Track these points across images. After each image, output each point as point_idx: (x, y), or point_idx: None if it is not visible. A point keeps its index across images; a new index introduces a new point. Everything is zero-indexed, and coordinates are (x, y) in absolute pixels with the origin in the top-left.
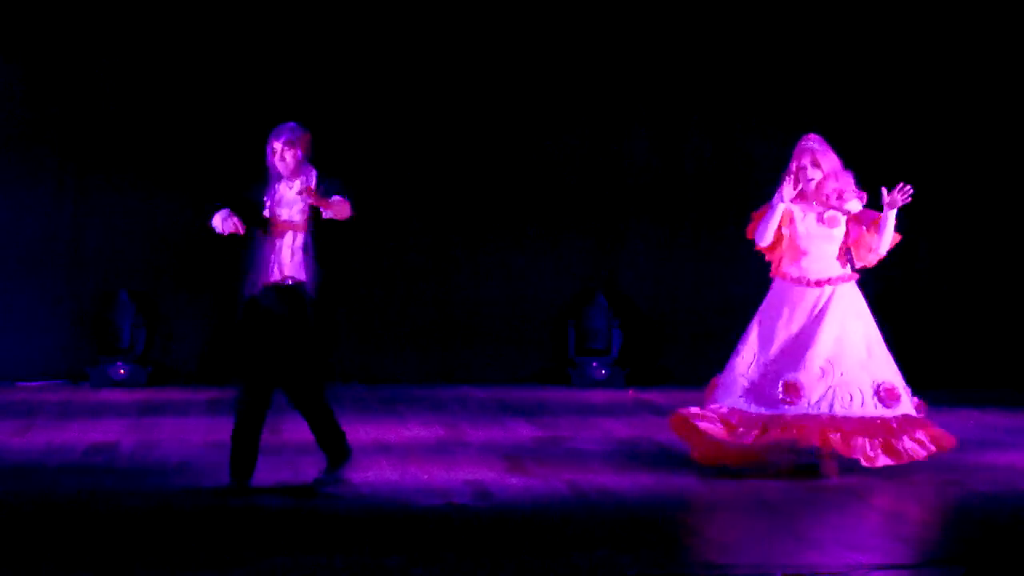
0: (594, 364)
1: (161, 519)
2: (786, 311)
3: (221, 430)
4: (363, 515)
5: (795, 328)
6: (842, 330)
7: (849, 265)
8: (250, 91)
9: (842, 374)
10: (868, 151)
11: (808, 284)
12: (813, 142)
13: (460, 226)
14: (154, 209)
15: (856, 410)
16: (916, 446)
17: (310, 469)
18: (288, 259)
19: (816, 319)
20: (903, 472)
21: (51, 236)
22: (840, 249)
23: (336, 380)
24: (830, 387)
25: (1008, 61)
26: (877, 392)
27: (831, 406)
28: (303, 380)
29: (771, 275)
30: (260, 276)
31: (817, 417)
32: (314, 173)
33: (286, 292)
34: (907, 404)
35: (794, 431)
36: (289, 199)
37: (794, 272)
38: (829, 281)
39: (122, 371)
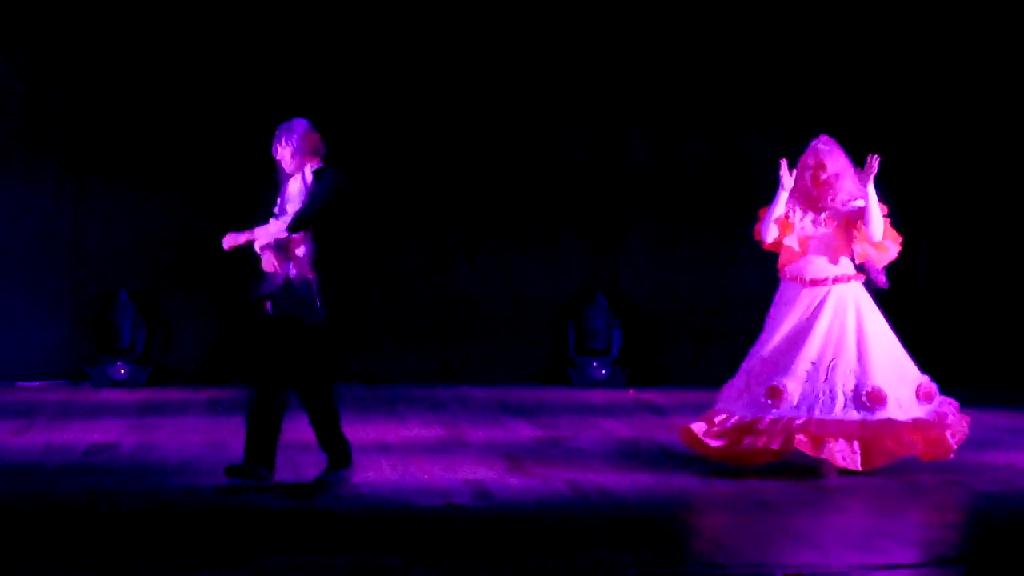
0: (594, 364)
1: (161, 519)
2: (785, 311)
3: (221, 430)
4: (363, 515)
5: (788, 329)
6: (833, 331)
7: (851, 265)
8: (250, 91)
9: (826, 378)
10: (868, 151)
11: (804, 284)
12: (822, 143)
13: (460, 226)
14: (154, 209)
15: (837, 413)
16: (897, 449)
17: (310, 469)
18: (296, 258)
19: (809, 320)
20: (903, 472)
21: (51, 236)
22: (840, 249)
23: (337, 380)
24: (813, 390)
25: (1008, 61)
26: (861, 395)
27: (810, 409)
28: (308, 380)
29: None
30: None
31: (790, 420)
32: (309, 167)
33: (293, 291)
34: (895, 408)
35: (764, 435)
36: (294, 196)
37: (793, 272)
38: (824, 281)
39: (122, 371)
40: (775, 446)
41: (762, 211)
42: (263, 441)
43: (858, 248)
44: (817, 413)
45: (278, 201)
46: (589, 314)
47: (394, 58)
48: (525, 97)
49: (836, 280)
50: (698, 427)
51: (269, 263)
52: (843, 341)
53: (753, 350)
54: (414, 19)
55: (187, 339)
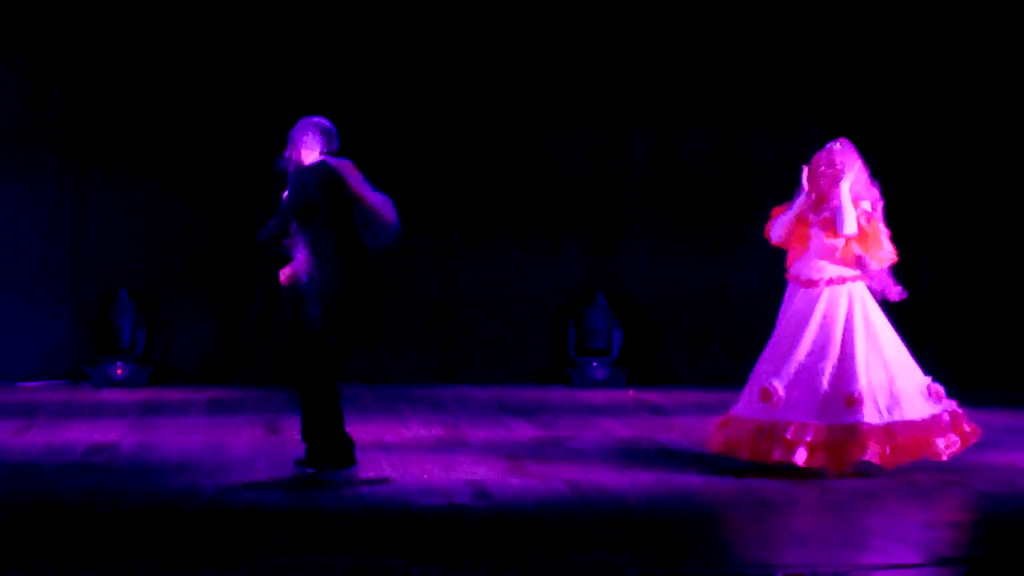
0: (594, 364)
1: (161, 519)
2: (785, 311)
3: (221, 430)
4: (363, 515)
5: (784, 329)
6: (821, 334)
7: (850, 267)
8: (250, 91)
9: (811, 380)
10: (868, 151)
11: (801, 284)
12: (838, 144)
13: (460, 226)
14: (154, 209)
15: (823, 418)
16: (865, 452)
17: (310, 469)
18: (298, 258)
19: (802, 321)
20: (903, 472)
21: (51, 236)
22: (837, 250)
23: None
24: (800, 392)
25: (1008, 61)
26: (841, 399)
27: (796, 411)
28: (307, 381)
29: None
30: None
31: (772, 423)
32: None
33: (293, 295)
34: (872, 412)
35: (764, 441)
36: None
37: (794, 272)
38: (818, 283)
39: (122, 371)
40: (775, 456)
41: (775, 210)
42: (320, 439)
43: (853, 247)
44: (804, 416)
45: None
46: (589, 314)
47: (395, 58)
48: (526, 98)
49: (830, 282)
50: (713, 423)
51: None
52: (828, 344)
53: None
54: (415, 20)
55: (187, 339)
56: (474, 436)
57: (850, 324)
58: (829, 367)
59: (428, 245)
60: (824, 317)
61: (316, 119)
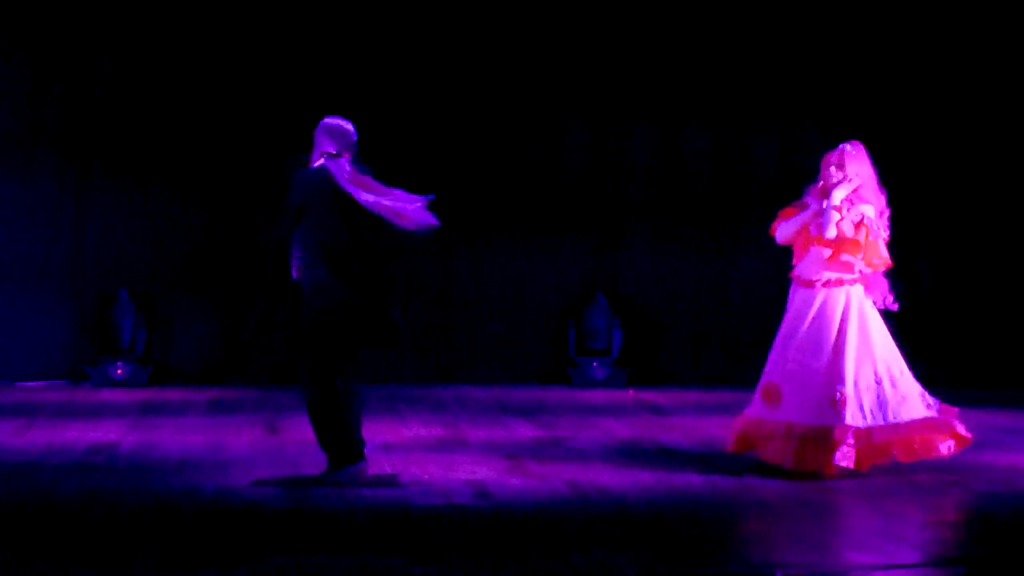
0: (594, 364)
1: (161, 519)
2: (787, 311)
3: (221, 430)
4: (363, 515)
5: (785, 329)
6: (815, 335)
7: (848, 269)
8: (251, 92)
9: (804, 380)
10: (868, 151)
11: (802, 284)
12: (848, 146)
13: (460, 226)
14: (155, 209)
15: (810, 418)
16: (835, 454)
17: (310, 469)
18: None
19: (799, 322)
20: (903, 472)
21: (51, 236)
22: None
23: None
24: (795, 392)
25: (1008, 61)
26: (827, 400)
27: (792, 411)
28: (306, 378)
29: None
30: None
31: (774, 423)
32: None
33: (297, 293)
34: (855, 414)
35: (768, 442)
36: None
37: (795, 272)
38: (815, 284)
39: (122, 371)
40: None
41: (785, 211)
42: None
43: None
44: (794, 417)
45: None
46: (589, 314)
47: (395, 59)
48: (526, 97)
49: (828, 283)
50: (730, 423)
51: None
52: (821, 344)
53: None
54: (415, 20)
55: (187, 339)
56: (474, 436)
57: (844, 325)
58: (821, 368)
59: (428, 245)
60: (818, 318)
61: (326, 120)
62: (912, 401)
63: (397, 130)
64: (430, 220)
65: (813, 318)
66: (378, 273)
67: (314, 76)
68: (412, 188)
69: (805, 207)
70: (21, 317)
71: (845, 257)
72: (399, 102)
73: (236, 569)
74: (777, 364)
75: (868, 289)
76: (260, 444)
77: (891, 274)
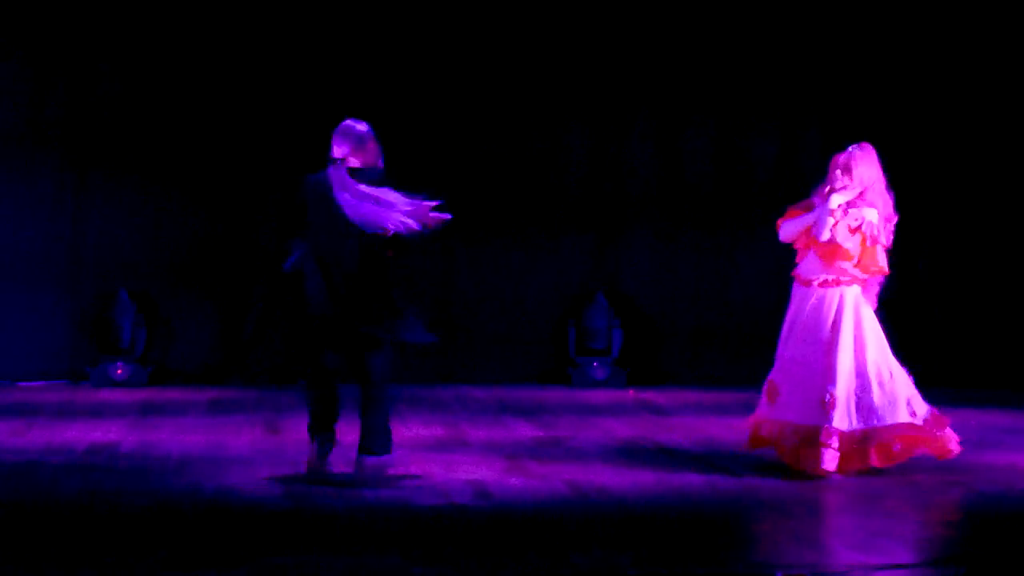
0: (594, 364)
1: (161, 519)
2: (788, 309)
3: (221, 430)
4: (363, 515)
5: (786, 327)
6: (808, 334)
7: (846, 271)
8: (251, 92)
9: (798, 379)
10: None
11: (800, 283)
12: (859, 148)
13: (460, 226)
14: (154, 209)
15: (802, 417)
16: (822, 456)
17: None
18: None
19: (795, 321)
20: (903, 472)
21: (51, 236)
22: (836, 254)
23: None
24: (791, 391)
25: (1008, 61)
26: (817, 400)
27: (787, 410)
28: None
29: None
30: None
31: (775, 422)
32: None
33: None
34: (842, 417)
35: (771, 443)
36: None
37: (796, 270)
38: (811, 283)
39: (122, 371)
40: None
41: (792, 209)
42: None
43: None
44: (789, 416)
45: None
46: (589, 314)
47: (395, 59)
48: (525, 97)
49: (824, 284)
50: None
51: None
52: (813, 344)
53: None
54: (414, 19)
55: (187, 339)
56: (474, 436)
57: (838, 326)
58: (814, 367)
59: (428, 245)
60: (814, 317)
61: (342, 123)
62: (897, 406)
63: (397, 130)
64: (423, 222)
65: (809, 317)
66: (372, 277)
67: (314, 77)
68: (412, 188)
69: (812, 207)
70: (21, 317)
71: (839, 263)
72: (399, 102)
73: (236, 569)
74: (777, 362)
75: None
76: (260, 444)
77: (890, 277)
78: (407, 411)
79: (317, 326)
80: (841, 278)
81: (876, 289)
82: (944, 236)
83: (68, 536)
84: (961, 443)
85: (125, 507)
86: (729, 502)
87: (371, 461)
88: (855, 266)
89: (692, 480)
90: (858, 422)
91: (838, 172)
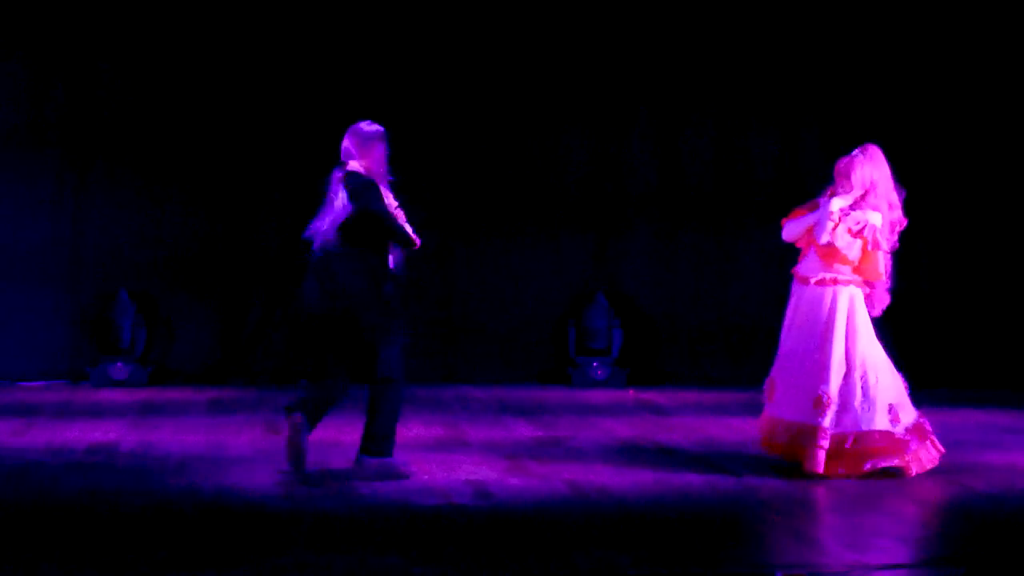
0: (594, 364)
1: (161, 519)
2: (787, 307)
3: (221, 430)
4: (363, 515)
5: (784, 325)
6: (802, 332)
7: (844, 272)
8: (250, 92)
9: (790, 377)
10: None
11: (798, 280)
12: (859, 152)
13: (460, 226)
14: (155, 208)
15: (795, 415)
16: (816, 456)
17: (309, 469)
18: None
19: (792, 318)
20: (903, 472)
21: (51, 236)
22: (835, 255)
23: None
24: (785, 389)
25: (1008, 61)
26: (810, 399)
27: (780, 408)
28: None
29: None
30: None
31: (768, 418)
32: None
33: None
34: (832, 418)
35: (774, 442)
36: None
37: (795, 268)
38: (809, 281)
39: (122, 371)
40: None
41: (797, 210)
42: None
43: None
44: (783, 414)
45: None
46: (589, 314)
47: (395, 59)
48: (525, 97)
49: (821, 283)
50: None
51: None
52: (806, 342)
53: None
54: (414, 19)
55: (187, 339)
56: (474, 436)
57: (832, 325)
58: (807, 365)
59: (428, 245)
60: (809, 316)
61: (357, 123)
62: (877, 412)
63: (397, 131)
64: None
65: (804, 315)
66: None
67: (315, 77)
68: (412, 188)
69: (816, 208)
70: (21, 317)
71: (837, 267)
72: (399, 102)
73: (236, 569)
74: (776, 360)
75: (866, 297)
76: (260, 444)
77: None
78: (407, 411)
79: (316, 325)
80: (839, 277)
81: (886, 290)
82: (944, 236)
83: (68, 536)
84: (959, 444)
85: (125, 507)
86: (729, 502)
87: (370, 462)
88: (854, 271)
89: (692, 480)
90: (840, 425)
91: (839, 177)
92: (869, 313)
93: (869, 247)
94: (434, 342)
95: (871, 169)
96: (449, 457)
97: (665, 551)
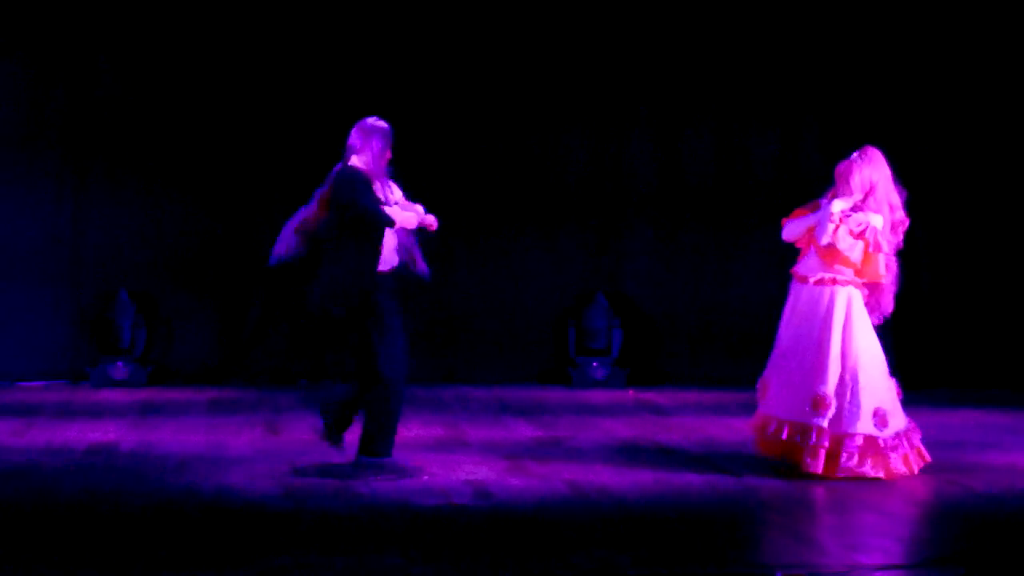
0: (594, 364)
1: (161, 519)
2: (785, 306)
3: (221, 430)
4: (363, 515)
5: (783, 324)
6: (799, 331)
7: (842, 272)
8: (251, 92)
9: (785, 376)
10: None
11: (797, 279)
12: (857, 155)
13: (460, 226)
14: (155, 209)
15: (790, 414)
16: (816, 458)
17: (310, 469)
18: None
19: (789, 317)
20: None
21: (52, 236)
22: (834, 255)
23: (336, 379)
24: (779, 388)
25: (1008, 60)
26: (807, 398)
27: (773, 406)
28: None
29: None
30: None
31: (760, 415)
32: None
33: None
34: (829, 419)
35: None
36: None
37: (794, 268)
38: (807, 280)
39: (122, 371)
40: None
41: (798, 210)
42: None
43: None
44: (780, 412)
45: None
46: (589, 314)
47: (395, 58)
48: (525, 97)
49: (819, 282)
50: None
51: None
52: (803, 341)
53: None
54: (415, 19)
55: (187, 339)
56: (474, 436)
57: (829, 324)
58: (803, 364)
59: (428, 245)
60: (806, 315)
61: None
62: (862, 416)
63: (397, 130)
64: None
65: (802, 314)
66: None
67: (315, 77)
68: (412, 188)
69: (818, 208)
70: (21, 317)
71: (838, 267)
72: (400, 102)
73: (236, 569)
74: (770, 359)
75: (867, 301)
76: (260, 444)
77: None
78: (407, 411)
79: (316, 325)
80: (838, 277)
81: (891, 292)
82: (944, 236)
83: (68, 536)
84: (959, 444)
85: (125, 507)
86: (729, 502)
87: (370, 462)
88: (856, 273)
89: (692, 480)
90: (831, 426)
91: (839, 180)
92: (871, 320)
93: (871, 249)
94: (434, 342)
95: (870, 172)
96: (449, 457)
97: (665, 551)
